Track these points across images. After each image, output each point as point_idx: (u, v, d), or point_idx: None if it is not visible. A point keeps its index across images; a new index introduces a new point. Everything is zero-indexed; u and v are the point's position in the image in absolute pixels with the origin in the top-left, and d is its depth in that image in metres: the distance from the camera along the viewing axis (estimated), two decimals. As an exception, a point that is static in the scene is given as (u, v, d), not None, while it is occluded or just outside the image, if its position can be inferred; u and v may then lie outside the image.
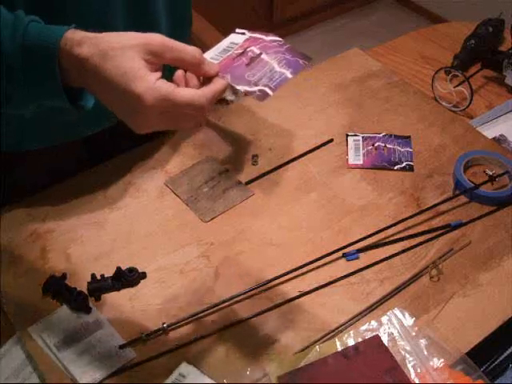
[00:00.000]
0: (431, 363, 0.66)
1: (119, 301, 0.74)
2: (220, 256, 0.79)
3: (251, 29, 0.70)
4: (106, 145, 0.94)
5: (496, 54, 1.11)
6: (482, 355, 0.69)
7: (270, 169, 0.90)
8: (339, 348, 0.67)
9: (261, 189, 0.88)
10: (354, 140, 0.95)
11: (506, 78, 1.07)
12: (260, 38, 0.68)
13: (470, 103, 1.01)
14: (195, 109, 0.59)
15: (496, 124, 1.02)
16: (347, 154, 0.93)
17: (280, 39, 0.68)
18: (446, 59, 1.14)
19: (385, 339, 0.68)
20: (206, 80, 0.61)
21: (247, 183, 0.88)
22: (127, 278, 0.75)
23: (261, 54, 0.65)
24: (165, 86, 0.57)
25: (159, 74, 0.59)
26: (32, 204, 0.85)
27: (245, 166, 0.91)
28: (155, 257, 0.78)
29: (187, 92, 0.58)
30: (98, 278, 0.75)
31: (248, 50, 0.66)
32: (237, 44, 0.67)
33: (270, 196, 0.87)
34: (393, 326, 0.70)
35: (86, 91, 0.65)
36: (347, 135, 0.96)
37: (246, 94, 0.62)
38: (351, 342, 0.68)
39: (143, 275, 0.76)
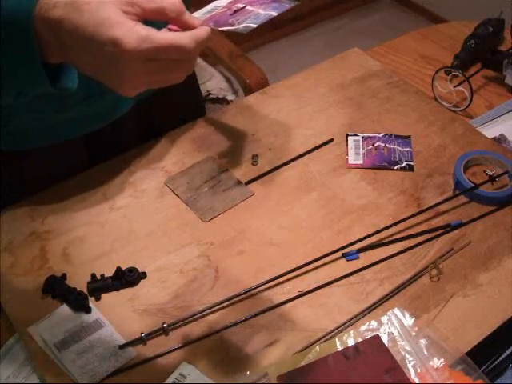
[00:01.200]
0: (431, 363, 0.66)
1: (119, 301, 0.74)
2: (220, 256, 0.79)
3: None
4: (107, 142, 0.94)
5: (496, 54, 1.11)
6: (482, 355, 0.69)
7: (269, 169, 0.90)
8: (339, 348, 0.67)
9: (261, 189, 0.88)
10: (354, 140, 0.95)
11: (506, 77, 1.07)
12: None
13: (470, 103, 1.01)
14: (181, 52, 0.55)
15: (496, 124, 1.01)
16: (347, 154, 0.93)
17: None
18: (446, 59, 1.14)
19: (385, 339, 0.68)
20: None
21: (247, 183, 0.88)
22: (127, 277, 0.75)
23: (245, 6, 0.64)
24: (145, 29, 0.54)
25: (139, 22, 0.55)
26: (32, 204, 0.85)
27: (245, 166, 0.91)
28: (155, 257, 0.78)
29: (170, 34, 0.55)
30: (98, 278, 0.75)
31: (233, 6, 0.64)
32: (220, 6, 0.65)
33: (269, 196, 0.87)
34: (393, 326, 0.70)
35: (67, 70, 0.62)
36: (347, 135, 0.96)
37: (229, 31, 0.60)
38: (351, 342, 0.68)
39: (143, 275, 0.76)
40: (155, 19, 0.57)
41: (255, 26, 0.60)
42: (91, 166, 0.91)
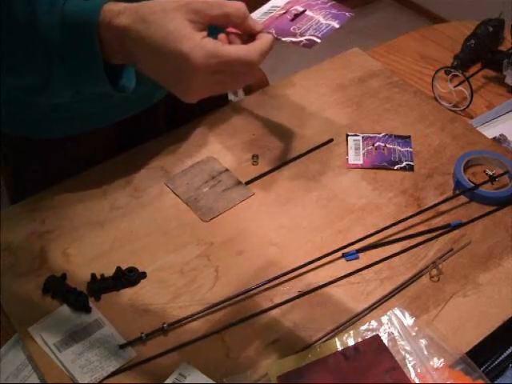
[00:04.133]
0: (431, 363, 0.66)
1: (119, 301, 0.73)
2: (220, 256, 0.79)
3: None
4: (139, 129, 0.94)
5: (496, 54, 1.11)
6: (482, 355, 0.69)
7: (269, 169, 0.90)
8: (339, 348, 0.67)
9: (261, 189, 0.88)
10: (354, 140, 0.95)
11: (506, 77, 1.07)
12: None
13: (470, 103, 1.01)
14: (245, 65, 0.56)
15: (496, 124, 1.01)
16: (347, 154, 0.93)
17: None
18: (446, 59, 1.14)
19: (385, 339, 0.68)
20: (249, 38, 0.59)
21: (247, 183, 0.88)
22: (127, 277, 0.75)
23: (305, 10, 0.63)
24: (212, 42, 0.55)
25: (205, 33, 0.57)
26: (32, 204, 0.85)
27: (245, 166, 0.91)
28: (155, 257, 0.78)
29: (236, 48, 0.57)
30: (98, 277, 0.75)
31: (291, 9, 0.64)
32: (279, 6, 0.65)
33: (269, 196, 0.87)
34: (393, 326, 0.70)
35: (127, 71, 0.63)
36: (347, 135, 0.96)
37: (293, 43, 0.60)
38: (351, 342, 0.68)
39: (143, 275, 0.76)
40: (220, 25, 0.58)
41: (319, 40, 0.60)
42: (120, 152, 0.92)
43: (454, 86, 1.03)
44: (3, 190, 1.00)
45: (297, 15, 0.63)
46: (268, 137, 0.96)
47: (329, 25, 0.62)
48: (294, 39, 0.60)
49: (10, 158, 0.93)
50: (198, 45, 0.55)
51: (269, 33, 0.60)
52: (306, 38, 0.60)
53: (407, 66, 1.14)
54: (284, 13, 0.64)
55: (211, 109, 0.99)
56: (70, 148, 0.90)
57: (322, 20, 0.63)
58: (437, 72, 1.05)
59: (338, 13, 0.64)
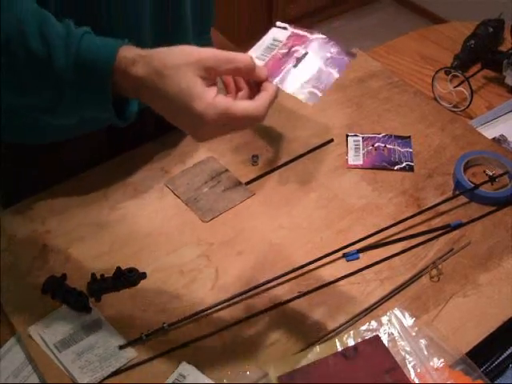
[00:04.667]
0: (431, 363, 0.66)
1: (119, 301, 0.74)
2: (220, 256, 0.79)
3: (291, 23, 0.70)
4: (130, 133, 0.94)
5: (496, 54, 1.11)
6: (482, 355, 0.69)
7: (270, 169, 0.90)
8: (339, 348, 0.67)
9: (261, 189, 0.88)
10: (354, 140, 0.95)
11: (506, 78, 1.07)
12: (304, 36, 0.68)
13: (470, 103, 1.01)
14: (253, 120, 0.60)
15: (496, 124, 1.02)
16: (347, 154, 0.93)
17: (324, 36, 0.68)
18: (446, 59, 1.14)
19: (385, 339, 0.68)
20: (254, 82, 0.63)
21: (247, 183, 0.88)
22: (127, 277, 0.75)
23: (306, 53, 0.65)
24: (223, 102, 0.58)
25: (215, 88, 0.59)
26: (32, 204, 0.85)
27: (245, 166, 0.91)
28: (155, 257, 0.78)
29: (245, 105, 0.60)
30: (98, 278, 0.75)
31: (293, 49, 0.66)
32: (280, 41, 0.67)
33: (269, 196, 0.87)
34: (393, 326, 0.70)
35: (130, 101, 0.66)
36: (347, 135, 0.96)
37: (295, 95, 0.63)
38: (351, 342, 0.68)
39: (143, 275, 0.76)
40: (230, 76, 0.63)
41: (321, 94, 0.62)
42: (112, 156, 0.92)
43: (454, 87, 1.03)
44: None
45: (299, 59, 0.65)
46: (268, 137, 0.96)
47: (330, 73, 0.64)
48: (296, 91, 0.63)
49: (3, 161, 0.93)
50: (211, 104, 0.58)
51: (272, 82, 0.62)
52: (309, 90, 0.62)
53: (407, 67, 1.14)
54: (286, 52, 0.66)
55: None
56: (61, 154, 0.90)
57: (323, 67, 0.64)
58: (437, 72, 1.05)
59: (338, 57, 0.65)
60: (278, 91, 0.62)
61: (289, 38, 0.67)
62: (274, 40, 0.67)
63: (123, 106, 0.66)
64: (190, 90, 0.57)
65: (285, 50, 0.66)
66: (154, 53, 0.60)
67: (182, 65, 0.58)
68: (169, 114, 0.61)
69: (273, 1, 2.60)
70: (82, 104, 0.63)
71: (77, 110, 0.65)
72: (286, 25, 0.69)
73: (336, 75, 0.64)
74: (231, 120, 0.59)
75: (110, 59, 0.60)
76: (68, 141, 0.88)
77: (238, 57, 0.60)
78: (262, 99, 0.61)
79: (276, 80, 0.63)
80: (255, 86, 0.63)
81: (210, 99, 0.58)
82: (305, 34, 0.68)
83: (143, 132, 0.96)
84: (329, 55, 0.65)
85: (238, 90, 0.64)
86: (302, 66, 0.64)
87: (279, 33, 0.68)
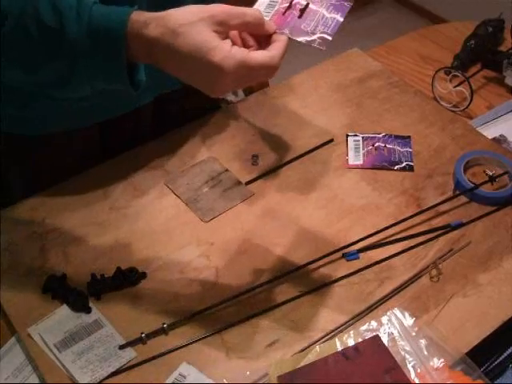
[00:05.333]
0: (431, 363, 0.66)
1: (119, 301, 0.73)
2: (220, 256, 0.79)
3: None
4: (124, 131, 0.94)
5: (496, 54, 1.11)
6: (482, 355, 0.69)
7: (269, 169, 0.90)
8: (339, 348, 0.67)
9: (261, 189, 0.88)
10: (354, 140, 0.95)
11: (506, 78, 1.07)
12: None
13: (470, 103, 1.01)
14: (269, 69, 0.61)
15: (496, 124, 1.02)
16: (347, 154, 0.93)
17: None
18: (446, 59, 1.14)
19: (385, 339, 0.68)
20: (263, 38, 0.63)
21: (247, 183, 0.88)
22: (127, 277, 0.75)
23: (308, 4, 0.67)
24: (239, 52, 0.59)
25: (229, 41, 0.60)
26: (32, 204, 0.85)
27: (245, 166, 0.91)
28: (155, 257, 0.78)
29: (261, 56, 0.60)
30: (98, 277, 0.75)
31: (294, 2, 0.67)
32: None
33: (270, 196, 0.87)
34: (393, 326, 0.70)
35: (139, 66, 0.66)
36: (347, 135, 0.96)
37: (307, 43, 0.64)
38: (351, 342, 0.68)
39: (143, 275, 0.76)
40: (239, 31, 0.63)
41: (331, 38, 0.64)
42: (104, 155, 0.92)
43: (454, 87, 1.03)
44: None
45: (302, 10, 0.67)
46: (268, 137, 0.96)
47: (334, 18, 0.66)
48: (307, 38, 0.64)
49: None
50: (228, 55, 0.59)
51: (282, 33, 0.64)
52: (319, 35, 0.64)
53: (407, 67, 1.14)
54: (289, 7, 0.67)
55: (202, 114, 0.99)
56: (51, 151, 0.89)
57: (326, 14, 0.66)
58: (437, 72, 1.05)
59: (338, 4, 0.68)
60: (288, 41, 0.63)
61: None
62: None
63: (132, 76, 0.65)
64: (207, 44, 0.58)
65: (286, 4, 0.67)
66: (165, 14, 0.61)
67: (195, 21, 0.59)
68: (184, 72, 0.62)
69: None
70: (96, 73, 0.63)
71: (89, 80, 0.64)
72: None
73: (340, 19, 0.66)
74: (248, 70, 0.60)
75: (123, 23, 0.60)
76: (55, 138, 0.87)
77: (247, 11, 0.61)
78: (276, 48, 0.62)
79: (285, 31, 0.64)
80: (264, 41, 0.63)
81: (227, 50, 0.59)
82: None
83: (138, 132, 0.95)
84: (329, 3, 0.67)
85: (247, 47, 0.63)
86: (307, 15, 0.66)
87: None
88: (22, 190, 0.88)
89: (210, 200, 0.86)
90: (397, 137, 0.96)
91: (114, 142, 0.94)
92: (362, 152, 0.93)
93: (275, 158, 0.92)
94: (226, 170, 0.90)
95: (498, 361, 0.70)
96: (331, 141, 0.95)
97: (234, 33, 0.62)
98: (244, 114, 1.00)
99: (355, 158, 0.92)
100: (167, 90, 0.92)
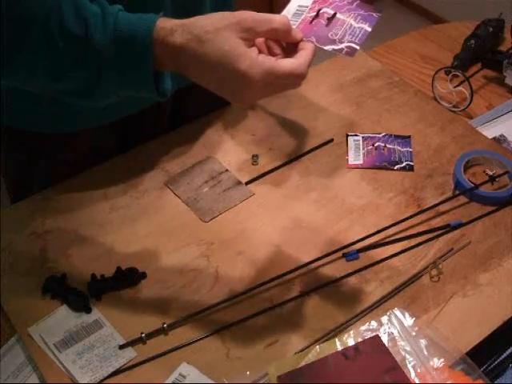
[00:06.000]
0: (431, 363, 0.66)
1: (119, 301, 0.74)
2: (220, 256, 0.79)
3: None
4: (140, 127, 0.94)
5: (496, 54, 1.11)
6: (482, 355, 0.69)
7: (270, 169, 0.90)
8: (339, 348, 0.67)
9: (261, 189, 0.88)
10: (354, 140, 0.95)
11: (506, 78, 1.07)
12: None
13: (470, 103, 1.01)
14: (297, 77, 0.60)
15: (496, 124, 1.01)
16: (347, 154, 0.93)
17: None
18: (446, 59, 1.14)
19: (385, 339, 0.68)
20: (289, 46, 0.62)
21: (247, 183, 0.88)
22: (127, 278, 0.75)
23: (335, 13, 0.66)
24: (267, 60, 0.59)
25: (256, 48, 0.60)
26: (32, 204, 0.85)
27: (245, 166, 0.91)
28: (155, 257, 0.78)
29: (288, 64, 0.59)
30: (98, 278, 0.75)
31: (321, 11, 0.67)
32: (306, 6, 0.68)
33: (270, 196, 0.87)
34: (393, 326, 0.70)
35: (165, 74, 0.65)
36: (347, 135, 0.96)
37: (334, 51, 0.63)
38: (351, 342, 0.68)
39: (143, 275, 0.76)
40: (267, 38, 0.62)
41: (359, 48, 0.63)
42: (120, 151, 0.92)
43: (454, 87, 1.03)
44: (3, 190, 0.99)
45: (329, 19, 0.66)
46: (268, 137, 0.96)
47: (362, 28, 0.65)
48: (335, 47, 0.63)
49: (11, 153, 0.93)
50: (255, 63, 0.58)
51: (309, 41, 0.63)
52: (346, 45, 0.63)
53: (407, 66, 1.14)
54: (316, 15, 0.66)
55: (215, 109, 0.99)
56: (71, 146, 0.90)
57: (354, 24, 0.65)
58: (437, 72, 1.05)
59: (367, 14, 0.67)
60: (315, 49, 0.62)
61: (314, 2, 0.68)
62: (300, 6, 0.68)
63: (158, 85, 0.65)
64: (233, 51, 0.58)
65: (313, 13, 0.66)
66: (191, 20, 0.60)
67: (222, 28, 0.58)
68: (211, 80, 0.61)
69: (273, 1, 2.60)
70: (122, 82, 0.63)
71: (116, 88, 0.64)
72: None
73: (368, 29, 0.65)
74: (276, 79, 0.59)
75: (149, 30, 0.59)
76: (75, 135, 0.87)
77: (275, 17, 0.60)
78: (304, 56, 0.61)
79: (311, 39, 0.63)
80: (290, 49, 0.62)
81: (254, 57, 0.58)
82: None
83: (157, 127, 0.95)
84: (357, 13, 0.66)
85: (273, 55, 0.62)
86: (334, 25, 0.65)
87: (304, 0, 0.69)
88: (42, 183, 0.88)
89: (210, 200, 0.86)
90: (397, 137, 0.96)
91: (133, 139, 0.93)
92: (362, 152, 0.93)
93: (275, 157, 0.92)
94: (226, 170, 0.90)
95: (498, 361, 0.70)
96: (331, 141, 0.95)
97: (259, 40, 0.61)
98: (244, 113, 1.00)
99: (355, 158, 0.92)
100: (185, 84, 0.91)
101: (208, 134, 0.96)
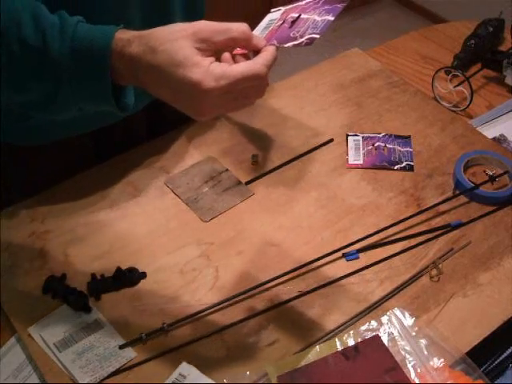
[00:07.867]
0: (431, 363, 0.66)
1: (119, 301, 0.74)
2: (220, 256, 0.79)
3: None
4: (117, 137, 0.94)
5: (496, 54, 1.11)
6: (482, 355, 0.69)
7: (270, 169, 0.90)
8: (339, 348, 0.67)
9: (261, 189, 0.88)
10: (354, 140, 0.95)
11: (506, 78, 1.07)
12: (295, 6, 0.68)
13: (470, 103, 1.01)
14: (254, 79, 0.58)
15: (496, 124, 1.02)
16: (347, 154, 0.93)
17: None
18: (446, 59, 1.14)
19: (385, 339, 0.68)
20: (255, 55, 0.61)
21: (247, 183, 0.88)
22: (127, 277, 0.75)
23: (300, 15, 0.65)
24: (219, 66, 0.57)
25: (212, 58, 0.58)
26: (32, 204, 0.85)
27: (245, 166, 0.91)
28: (155, 257, 0.78)
29: (242, 65, 0.58)
30: (98, 278, 0.75)
31: (287, 18, 0.66)
32: (275, 19, 0.67)
33: (270, 196, 0.87)
34: (393, 326, 0.70)
35: (126, 89, 0.65)
36: (347, 135, 0.96)
37: (294, 46, 0.62)
38: (351, 342, 0.68)
39: (143, 275, 0.76)
40: (227, 49, 0.60)
41: (318, 36, 0.61)
42: (98, 162, 0.91)
43: (454, 86, 1.03)
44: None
45: (294, 22, 0.65)
46: (268, 137, 0.96)
47: (325, 19, 0.63)
48: (295, 42, 0.62)
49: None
50: (207, 71, 0.57)
51: (271, 44, 0.62)
52: (306, 37, 0.62)
53: (407, 66, 1.14)
54: (282, 23, 0.66)
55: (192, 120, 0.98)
56: (45, 158, 0.89)
57: (318, 18, 0.64)
58: (437, 72, 1.05)
59: (332, 7, 0.65)
60: (276, 50, 0.61)
61: (283, 14, 0.68)
62: (270, 20, 0.68)
63: (120, 98, 0.64)
64: (186, 62, 0.56)
65: (280, 22, 0.66)
66: (149, 31, 0.59)
67: (176, 38, 0.57)
68: (167, 92, 0.60)
69: (273, 1, 2.60)
70: (81, 93, 0.62)
71: (75, 101, 0.63)
72: (281, 7, 0.70)
73: (331, 18, 0.63)
74: (231, 85, 0.57)
75: (107, 41, 0.59)
76: (49, 147, 0.86)
77: (233, 26, 0.59)
78: (261, 57, 0.59)
79: (273, 42, 0.62)
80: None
81: (206, 66, 0.57)
82: (296, 4, 0.68)
83: (131, 138, 0.95)
84: (321, 9, 0.65)
85: None
86: (297, 25, 0.64)
87: (275, 14, 0.69)
88: (19, 193, 0.87)
89: (210, 200, 0.86)
90: (397, 137, 0.96)
91: (107, 149, 0.93)
92: (362, 152, 0.93)
93: (275, 157, 0.92)
94: (226, 170, 0.90)
95: (498, 361, 0.70)
96: (331, 141, 0.95)
97: (226, 55, 0.60)
98: (244, 113, 1.00)
99: (355, 158, 0.92)
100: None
101: (208, 133, 0.96)
